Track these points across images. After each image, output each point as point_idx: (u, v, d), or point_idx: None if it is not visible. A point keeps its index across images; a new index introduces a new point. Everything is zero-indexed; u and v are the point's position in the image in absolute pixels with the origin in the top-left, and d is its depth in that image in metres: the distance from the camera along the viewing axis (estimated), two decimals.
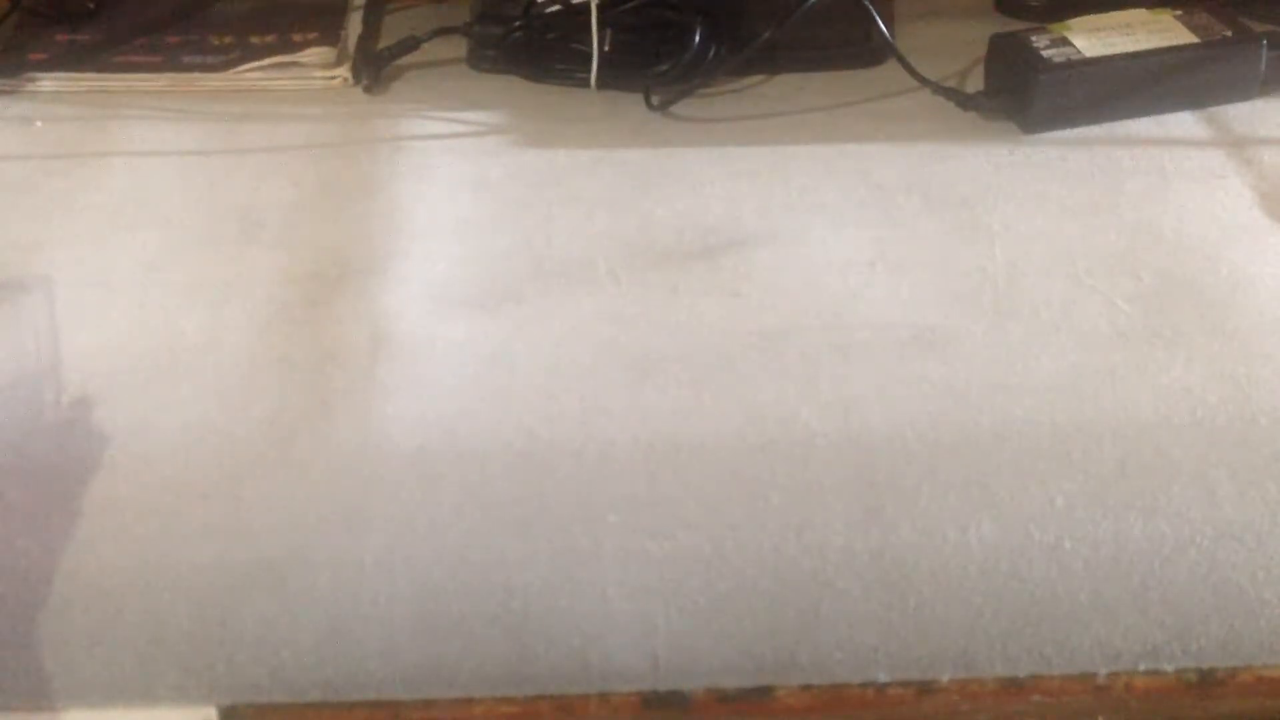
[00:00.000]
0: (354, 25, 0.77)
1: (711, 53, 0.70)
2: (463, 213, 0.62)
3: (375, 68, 0.72)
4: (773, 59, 0.72)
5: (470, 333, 0.54)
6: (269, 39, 0.75)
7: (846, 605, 0.47)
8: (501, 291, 0.56)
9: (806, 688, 0.47)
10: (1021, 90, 0.65)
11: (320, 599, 0.45)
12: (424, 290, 0.56)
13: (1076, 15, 0.68)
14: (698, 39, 0.69)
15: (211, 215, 0.61)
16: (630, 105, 0.70)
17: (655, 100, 0.69)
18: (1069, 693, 0.47)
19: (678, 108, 0.69)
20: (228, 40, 0.75)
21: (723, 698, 0.47)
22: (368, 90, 0.72)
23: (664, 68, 0.70)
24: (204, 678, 0.45)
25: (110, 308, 0.55)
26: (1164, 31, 0.67)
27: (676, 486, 0.48)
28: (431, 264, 0.58)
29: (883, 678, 0.47)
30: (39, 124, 0.69)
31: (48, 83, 0.72)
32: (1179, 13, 0.68)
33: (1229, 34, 0.67)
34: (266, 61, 0.73)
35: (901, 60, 0.68)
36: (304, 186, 0.64)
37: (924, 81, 0.68)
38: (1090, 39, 0.66)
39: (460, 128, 0.68)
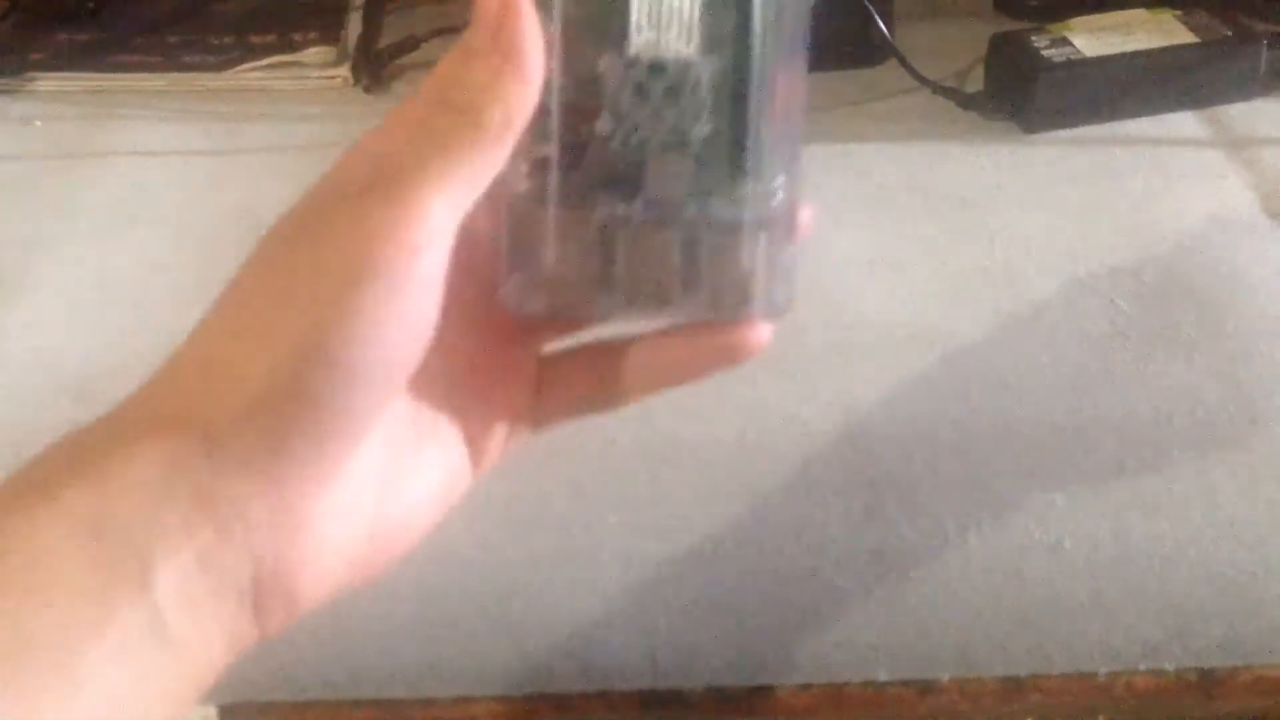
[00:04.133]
0: (354, 25, 0.77)
1: None
2: None
3: (375, 68, 0.72)
4: None
5: None
6: (269, 39, 0.75)
7: (846, 605, 0.47)
8: None
9: (806, 688, 0.47)
10: (1022, 90, 0.65)
11: None
12: None
13: (1076, 15, 0.68)
14: None
15: (211, 215, 0.61)
16: None
17: None
18: (1069, 693, 0.47)
19: None
20: (228, 40, 0.75)
21: (723, 698, 0.47)
22: (368, 90, 0.72)
23: None
24: None
25: (110, 308, 0.55)
26: (1164, 31, 0.67)
27: (676, 486, 0.48)
28: None
29: (883, 677, 0.47)
30: (39, 124, 0.69)
31: (48, 83, 0.72)
32: (1179, 13, 0.68)
33: (1229, 34, 0.67)
34: (266, 61, 0.73)
35: (901, 60, 0.68)
36: (304, 186, 0.63)
37: (924, 81, 0.68)
38: (1090, 39, 0.66)
39: None
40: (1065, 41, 0.66)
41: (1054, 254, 0.58)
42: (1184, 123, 0.66)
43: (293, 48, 0.73)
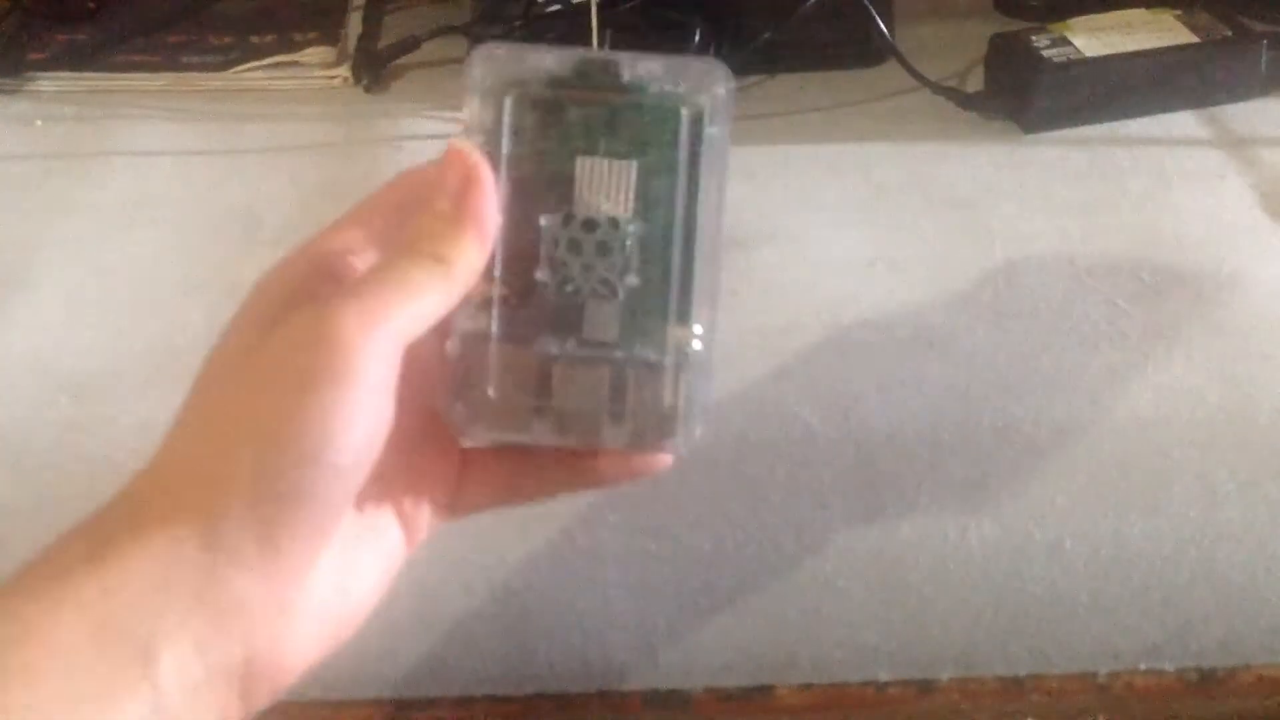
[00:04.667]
0: (354, 25, 0.77)
1: (711, 53, 0.70)
2: None
3: (375, 68, 0.72)
4: (773, 59, 0.72)
5: None
6: (269, 39, 0.75)
7: (846, 605, 0.47)
8: None
9: (806, 687, 0.47)
10: (1021, 90, 0.65)
11: None
12: None
13: (1076, 15, 0.68)
14: (698, 39, 0.69)
15: (211, 215, 0.61)
16: None
17: None
18: (1069, 692, 0.47)
19: None
20: (228, 40, 0.75)
21: (723, 697, 0.47)
22: (368, 90, 0.72)
23: None
24: None
25: (110, 308, 0.55)
26: (1164, 31, 0.67)
27: (676, 486, 0.48)
28: None
29: (883, 677, 0.47)
30: (39, 124, 0.69)
31: (48, 83, 0.72)
32: (1179, 13, 0.68)
33: (1229, 34, 0.67)
34: (266, 61, 0.73)
35: (901, 60, 0.68)
36: (304, 186, 0.64)
37: (924, 81, 0.68)
38: (1090, 39, 0.66)
39: (460, 128, 0.68)
40: (1065, 41, 0.66)
41: (1054, 254, 0.58)
42: (1184, 123, 0.66)
43: (293, 48, 0.73)
